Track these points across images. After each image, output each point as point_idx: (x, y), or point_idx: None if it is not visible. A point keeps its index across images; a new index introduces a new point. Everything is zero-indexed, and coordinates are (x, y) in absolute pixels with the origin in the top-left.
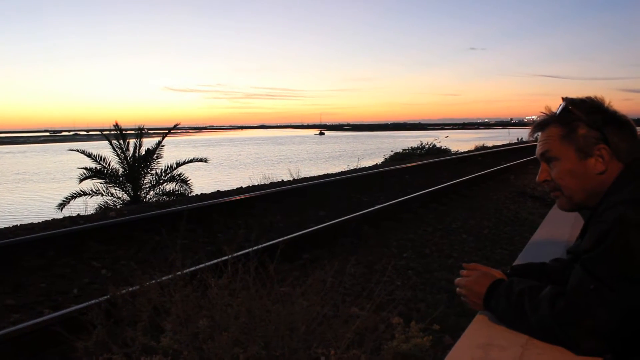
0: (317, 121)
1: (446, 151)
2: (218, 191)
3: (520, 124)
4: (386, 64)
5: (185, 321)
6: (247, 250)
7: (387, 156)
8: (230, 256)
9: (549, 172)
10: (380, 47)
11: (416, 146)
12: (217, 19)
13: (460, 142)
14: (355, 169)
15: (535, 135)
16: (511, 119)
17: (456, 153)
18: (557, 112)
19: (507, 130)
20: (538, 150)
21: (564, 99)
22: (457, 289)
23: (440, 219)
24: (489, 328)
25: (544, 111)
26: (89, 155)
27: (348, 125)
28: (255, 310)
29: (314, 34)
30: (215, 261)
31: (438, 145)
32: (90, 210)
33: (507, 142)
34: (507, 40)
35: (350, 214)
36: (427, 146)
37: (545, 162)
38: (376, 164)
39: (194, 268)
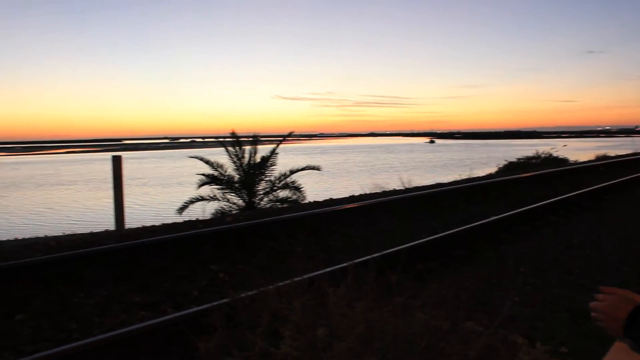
0: (427, 129)
1: (564, 161)
2: (331, 199)
3: None
4: (497, 70)
5: (303, 329)
6: (366, 258)
7: (500, 165)
8: (348, 264)
9: None
10: (491, 53)
11: (531, 155)
12: (327, 29)
13: (578, 151)
14: (467, 179)
15: None
16: (636, 127)
17: (575, 163)
18: None
19: (630, 138)
20: None
21: None
22: (593, 313)
23: (560, 233)
24: (629, 358)
25: None
26: (207, 162)
27: (459, 133)
28: (373, 321)
29: (424, 41)
30: (332, 268)
31: (555, 154)
32: (208, 215)
33: (632, 152)
34: (628, 43)
35: (463, 225)
36: (543, 155)
37: None
38: (490, 173)
39: (312, 274)
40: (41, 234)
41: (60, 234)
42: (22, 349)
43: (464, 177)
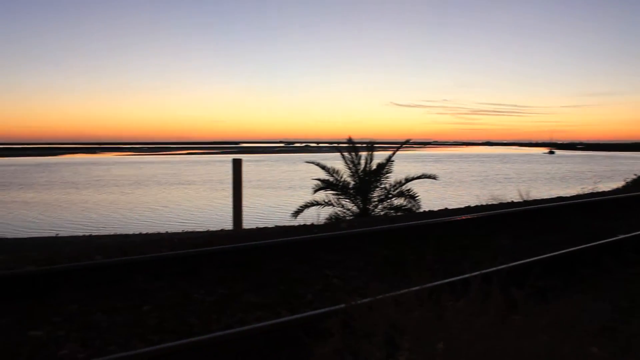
0: (546, 139)
1: None
2: (446, 209)
3: None
4: (628, 76)
5: (422, 341)
6: (487, 271)
7: (628, 180)
8: (470, 275)
9: None
10: (620, 57)
11: None
12: (440, 34)
13: None
14: (591, 193)
15: None
16: None
17: None
18: None
19: None
20: None
21: None
22: None
23: None
24: None
25: None
26: (323, 168)
27: (581, 144)
28: (494, 339)
29: (543, 46)
30: (450, 280)
31: None
32: (322, 220)
33: None
34: None
35: (587, 241)
36: None
37: None
38: (616, 188)
39: (429, 285)
40: (162, 230)
41: (180, 231)
42: (148, 337)
43: (587, 191)
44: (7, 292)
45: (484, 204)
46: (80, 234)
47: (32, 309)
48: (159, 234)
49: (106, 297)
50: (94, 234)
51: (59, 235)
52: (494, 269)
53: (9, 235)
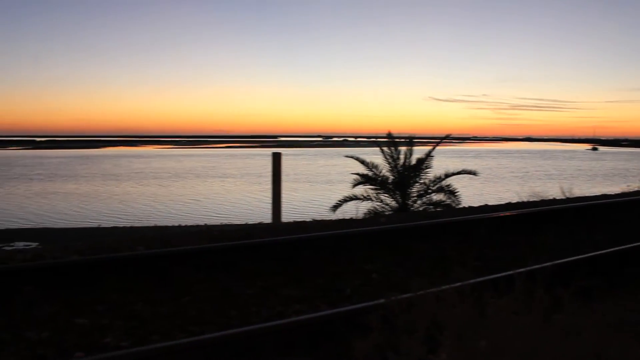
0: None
1: None
2: (486, 205)
3: None
4: None
5: (463, 338)
6: (530, 269)
7: None
8: (513, 272)
9: None
10: None
11: None
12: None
13: None
14: (637, 191)
15: None
16: None
17: None
18: None
19: None
20: None
21: None
22: None
23: None
24: None
25: None
26: (362, 162)
27: (626, 140)
28: (537, 339)
29: (587, 39)
30: (493, 276)
31: None
32: (360, 215)
33: None
34: None
35: (633, 241)
36: None
37: None
38: None
39: (471, 281)
40: (201, 222)
41: (218, 224)
42: (189, 328)
43: (632, 188)
44: (54, 281)
45: (525, 200)
46: (121, 225)
47: (78, 297)
48: (197, 226)
49: (147, 288)
50: (134, 225)
51: (101, 226)
52: (538, 266)
53: (54, 226)
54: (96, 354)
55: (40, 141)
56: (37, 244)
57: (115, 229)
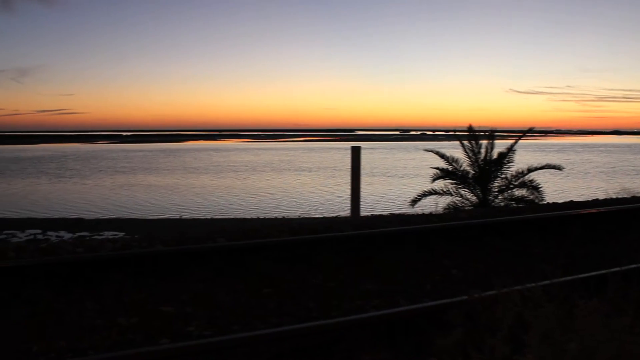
0: None
1: None
2: (572, 201)
3: None
4: None
5: (550, 339)
6: (626, 268)
7: None
8: (607, 271)
9: None
10: None
11: None
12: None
13: None
14: None
15: None
16: None
17: None
18: None
19: None
20: None
21: None
22: None
23: None
24: None
25: None
26: (442, 157)
27: None
28: (628, 343)
29: None
30: (583, 275)
31: None
32: (440, 209)
33: None
34: None
35: None
36: None
37: None
38: None
39: (559, 280)
40: (279, 215)
41: (296, 217)
42: (268, 320)
43: None
44: (142, 269)
45: (613, 197)
46: (202, 217)
47: (164, 286)
48: (276, 219)
49: (229, 279)
50: (215, 217)
51: (183, 217)
52: (634, 266)
53: (139, 216)
54: (179, 342)
55: (126, 135)
56: (123, 233)
57: (195, 220)
